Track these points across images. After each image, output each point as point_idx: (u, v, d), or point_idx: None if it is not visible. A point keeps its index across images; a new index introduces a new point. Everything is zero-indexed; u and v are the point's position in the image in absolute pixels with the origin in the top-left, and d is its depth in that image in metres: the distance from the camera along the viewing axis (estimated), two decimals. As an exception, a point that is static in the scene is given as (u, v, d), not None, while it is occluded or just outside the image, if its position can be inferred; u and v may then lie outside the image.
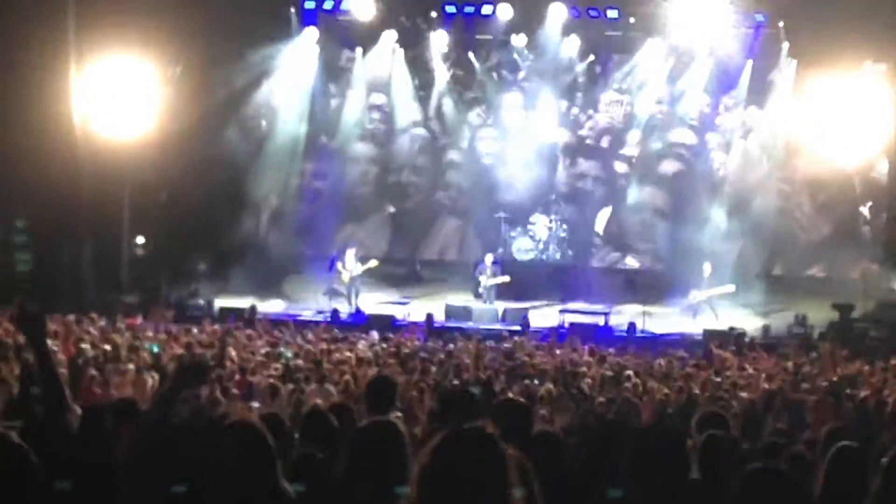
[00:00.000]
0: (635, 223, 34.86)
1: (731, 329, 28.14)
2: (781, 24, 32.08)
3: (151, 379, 15.74)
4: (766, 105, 33.39)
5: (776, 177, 33.63)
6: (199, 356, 13.47)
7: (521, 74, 34.91)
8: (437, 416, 9.19)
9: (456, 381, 16.47)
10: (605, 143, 35.16)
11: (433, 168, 35.95)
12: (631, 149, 34.97)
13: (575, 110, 35.04)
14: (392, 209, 35.49)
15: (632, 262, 34.91)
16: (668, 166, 34.75)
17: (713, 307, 30.07)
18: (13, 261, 29.51)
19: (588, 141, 35.17)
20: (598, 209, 34.87)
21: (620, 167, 35.06)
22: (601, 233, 35.00)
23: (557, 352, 22.78)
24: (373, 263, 30.92)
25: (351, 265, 30.78)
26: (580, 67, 34.26)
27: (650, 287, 31.06)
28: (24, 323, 6.65)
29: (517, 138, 34.98)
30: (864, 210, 33.25)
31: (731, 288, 30.31)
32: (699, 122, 34.51)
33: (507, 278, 30.88)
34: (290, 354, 19.77)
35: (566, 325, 29.14)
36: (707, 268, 30.47)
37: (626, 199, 34.83)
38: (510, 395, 12.92)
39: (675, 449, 6.53)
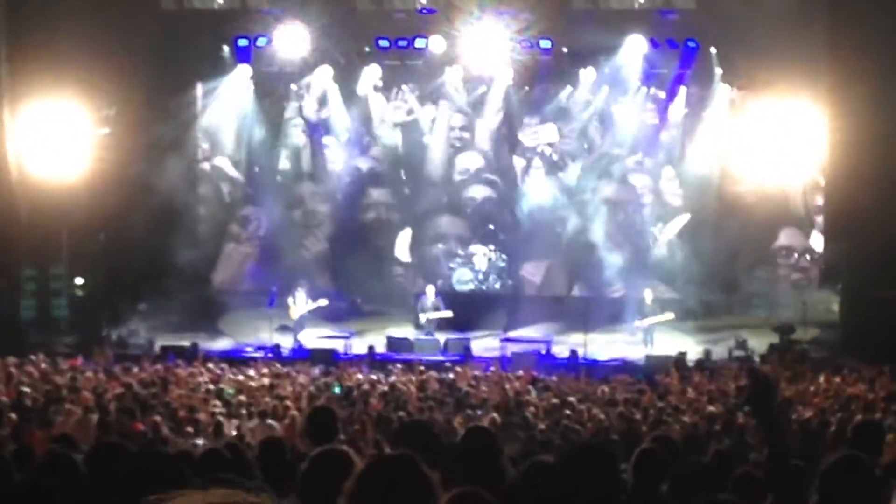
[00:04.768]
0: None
1: (673, 354, 28.24)
2: (714, 50, 32.41)
3: (94, 419, 15.67)
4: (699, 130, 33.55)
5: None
6: None
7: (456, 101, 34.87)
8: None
9: (401, 413, 16.50)
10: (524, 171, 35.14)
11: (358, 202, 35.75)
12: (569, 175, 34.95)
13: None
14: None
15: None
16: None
17: (652, 335, 30.05)
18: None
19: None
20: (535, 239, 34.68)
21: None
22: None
23: (503, 378, 22.84)
24: (323, 302, 30.83)
25: (302, 302, 30.63)
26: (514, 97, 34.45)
27: (591, 314, 31.04)
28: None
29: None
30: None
31: (671, 315, 30.35)
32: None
33: (449, 313, 30.86)
34: (231, 391, 19.72)
35: (508, 354, 29.12)
36: (648, 294, 30.54)
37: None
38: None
39: (608, 468, 6.59)
